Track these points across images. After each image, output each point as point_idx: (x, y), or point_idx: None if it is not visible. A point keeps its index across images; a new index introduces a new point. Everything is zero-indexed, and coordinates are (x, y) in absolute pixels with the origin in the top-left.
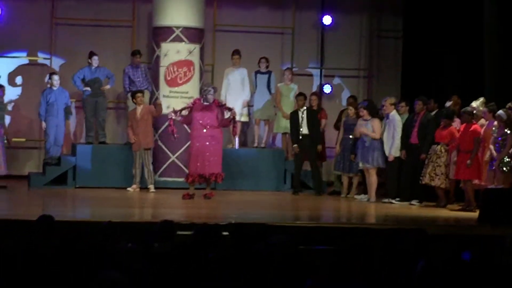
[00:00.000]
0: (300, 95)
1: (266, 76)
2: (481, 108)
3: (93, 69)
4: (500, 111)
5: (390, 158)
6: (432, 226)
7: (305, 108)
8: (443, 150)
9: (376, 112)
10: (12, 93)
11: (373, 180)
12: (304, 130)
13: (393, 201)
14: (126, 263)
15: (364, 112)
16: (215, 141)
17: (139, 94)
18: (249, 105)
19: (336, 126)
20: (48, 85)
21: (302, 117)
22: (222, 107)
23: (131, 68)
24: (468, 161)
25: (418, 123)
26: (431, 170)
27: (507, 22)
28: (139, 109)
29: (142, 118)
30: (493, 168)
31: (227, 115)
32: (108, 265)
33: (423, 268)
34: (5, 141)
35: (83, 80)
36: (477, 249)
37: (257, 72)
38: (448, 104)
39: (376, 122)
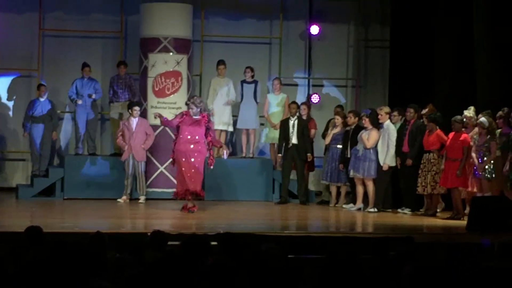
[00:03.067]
0: (293, 103)
1: (253, 85)
2: (472, 117)
3: (85, 80)
4: (483, 118)
5: (385, 168)
6: (420, 234)
7: (296, 117)
8: (435, 157)
9: (377, 124)
10: None
11: (370, 189)
12: (294, 139)
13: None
14: (115, 273)
15: (366, 121)
16: (200, 158)
17: (136, 107)
18: (233, 115)
19: (324, 136)
20: (37, 96)
21: (293, 126)
22: (209, 122)
23: (116, 79)
24: (458, 171)
25: (409, 131)
26: (430, 179)
27: (496, 30)
28: (134, 121)
29: (137, 130)
30: (478, 176)
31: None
32: (97, 275)
33: (409, 273)
34: None
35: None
36: (465, 255)
37: (243, 81)
38: (423, 112)
39: (373, 132)
